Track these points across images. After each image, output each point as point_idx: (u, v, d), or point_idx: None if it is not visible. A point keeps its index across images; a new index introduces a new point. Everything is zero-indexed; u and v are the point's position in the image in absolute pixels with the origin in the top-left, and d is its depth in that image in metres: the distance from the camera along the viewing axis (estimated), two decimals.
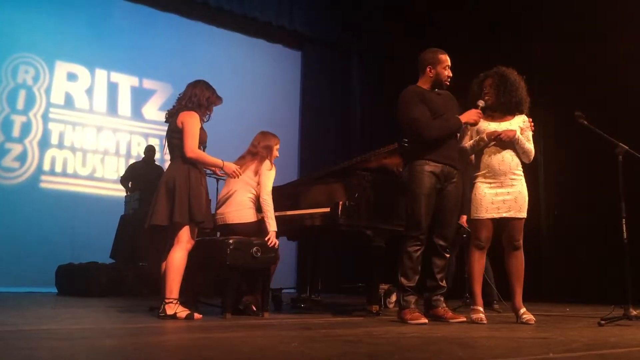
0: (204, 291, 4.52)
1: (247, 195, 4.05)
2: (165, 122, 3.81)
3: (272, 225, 3.93)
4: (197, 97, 3.73)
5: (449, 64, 3.85)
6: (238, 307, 3.95)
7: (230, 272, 3.71)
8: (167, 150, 3.74)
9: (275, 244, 3.90)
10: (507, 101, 3.76)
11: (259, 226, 4.00)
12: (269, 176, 4.05)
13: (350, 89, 9.82)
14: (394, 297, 5.23)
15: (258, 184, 4.06)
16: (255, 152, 4.17)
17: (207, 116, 3.81)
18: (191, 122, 3.63)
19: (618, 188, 3.76)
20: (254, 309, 3.93)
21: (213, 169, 3.94)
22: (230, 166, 3.79)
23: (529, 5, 7.31)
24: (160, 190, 3.58)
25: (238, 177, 3.87)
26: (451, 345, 2.45)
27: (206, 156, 3.68)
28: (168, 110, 3.82)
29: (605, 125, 3.98)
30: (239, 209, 4.02)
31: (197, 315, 3.46)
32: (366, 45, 9.82)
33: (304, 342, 2.38)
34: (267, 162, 4.09)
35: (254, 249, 3.74)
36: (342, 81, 9.80)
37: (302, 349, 2.18)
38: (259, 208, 4.10)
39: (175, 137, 3.67)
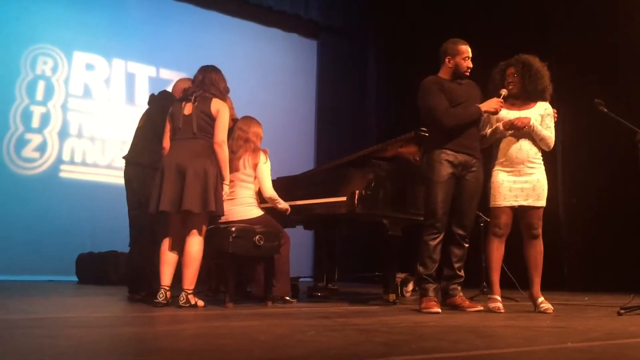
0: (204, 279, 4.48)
1: (247, 192, 4.03)
2: (184, 98, 3.72)
3: (284, 205, 4.15)
4: (219, 84, 3.72)
5: (469, 54, 3.81)
6: (246, 291, 3.99)
7: (232, 260, 3.69)
8: (194, 128, 3.59)
9: (287, 209, 4.14)
10: (533, 89, 3.73)
11: (265, 220, 3.97)
12: (266, 171, 4.08)
13: (366, 78, 9.76)
14: (410, 286, 5.23)
15: (255, 177, 4.06)
16: (247, 139, 4.09)
17: None
18: (226, 114, 3.66)
19: (637, 176, 3.71)
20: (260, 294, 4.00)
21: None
22: (225, 189, 3.67)
23: None
24: (182, 174, 3.48)
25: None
26: (468, 334, 2.44)
27: (226, 160, 3.64)
28: (200, 90, 3.68)
29: (626, 113, 3.92)
30: (241, 205, 3.98)
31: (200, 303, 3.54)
32: (382, 34, 9.75)
33: (320, 331, 2.39)
34: (262, 156, 4.08)
35: (257, 237, 3.71)
36: (358, 70, 9.74)
37: (319, 337, 2.19)
38: (262, 199, 4.13)
39: (206, 120, 3.60)
